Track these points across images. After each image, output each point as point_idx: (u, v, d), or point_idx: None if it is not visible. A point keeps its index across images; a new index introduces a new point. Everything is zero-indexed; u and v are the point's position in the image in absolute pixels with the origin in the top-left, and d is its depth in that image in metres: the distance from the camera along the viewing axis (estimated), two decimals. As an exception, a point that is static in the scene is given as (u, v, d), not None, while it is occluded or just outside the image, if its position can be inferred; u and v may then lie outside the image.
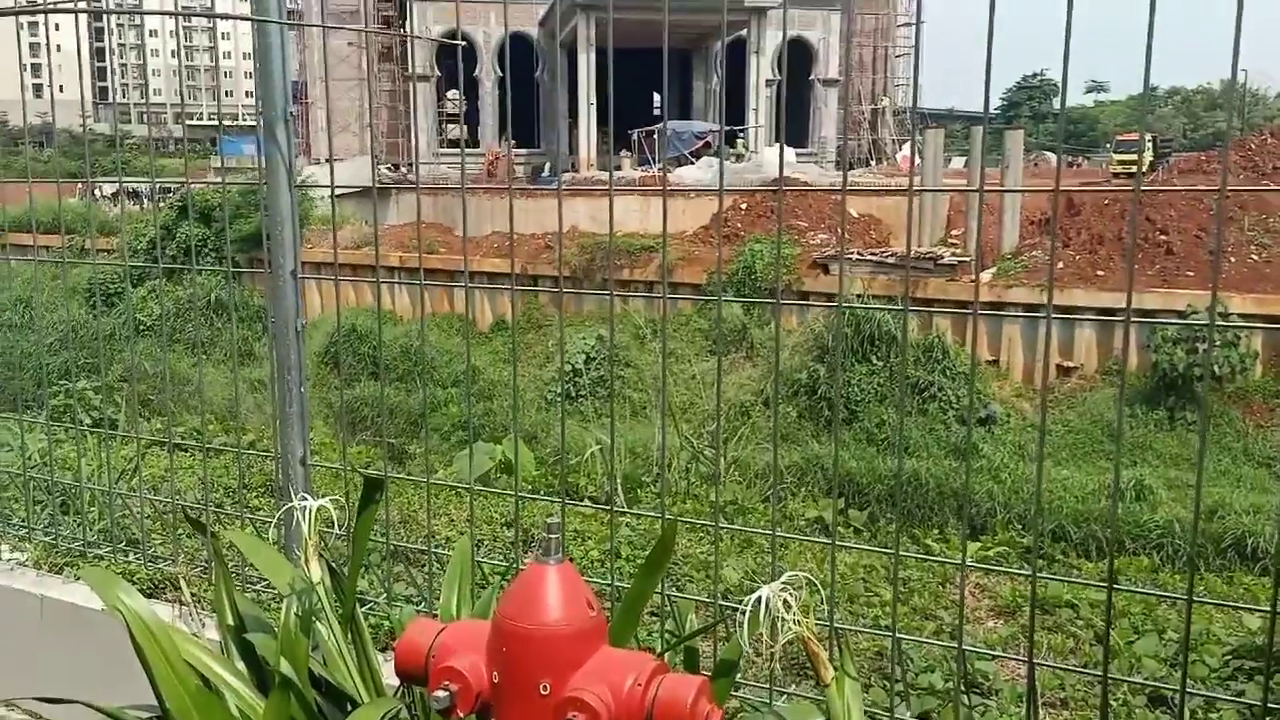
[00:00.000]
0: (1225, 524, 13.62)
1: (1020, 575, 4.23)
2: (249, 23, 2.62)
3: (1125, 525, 13.39)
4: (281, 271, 2.80)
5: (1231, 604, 4.26)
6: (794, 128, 43.61)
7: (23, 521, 3.87)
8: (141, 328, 23.24)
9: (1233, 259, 19.35)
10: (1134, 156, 36.34)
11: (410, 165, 39.73)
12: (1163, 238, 20.16)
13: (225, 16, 2.72)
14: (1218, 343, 17.41)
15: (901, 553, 2.56)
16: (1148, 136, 40.81)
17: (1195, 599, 2.12)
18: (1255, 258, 19.55)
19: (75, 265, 23.70)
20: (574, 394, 21.55)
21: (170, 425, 4.24)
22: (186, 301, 23.82)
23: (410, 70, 39.71)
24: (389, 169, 38.94)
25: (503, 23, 40.61)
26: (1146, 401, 18.34)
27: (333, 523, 2.09)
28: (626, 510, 5.68)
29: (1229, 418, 17.93)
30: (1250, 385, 18.29)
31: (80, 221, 23.33)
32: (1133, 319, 17.10)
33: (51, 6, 2.87)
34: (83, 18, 3.31)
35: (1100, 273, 20.09)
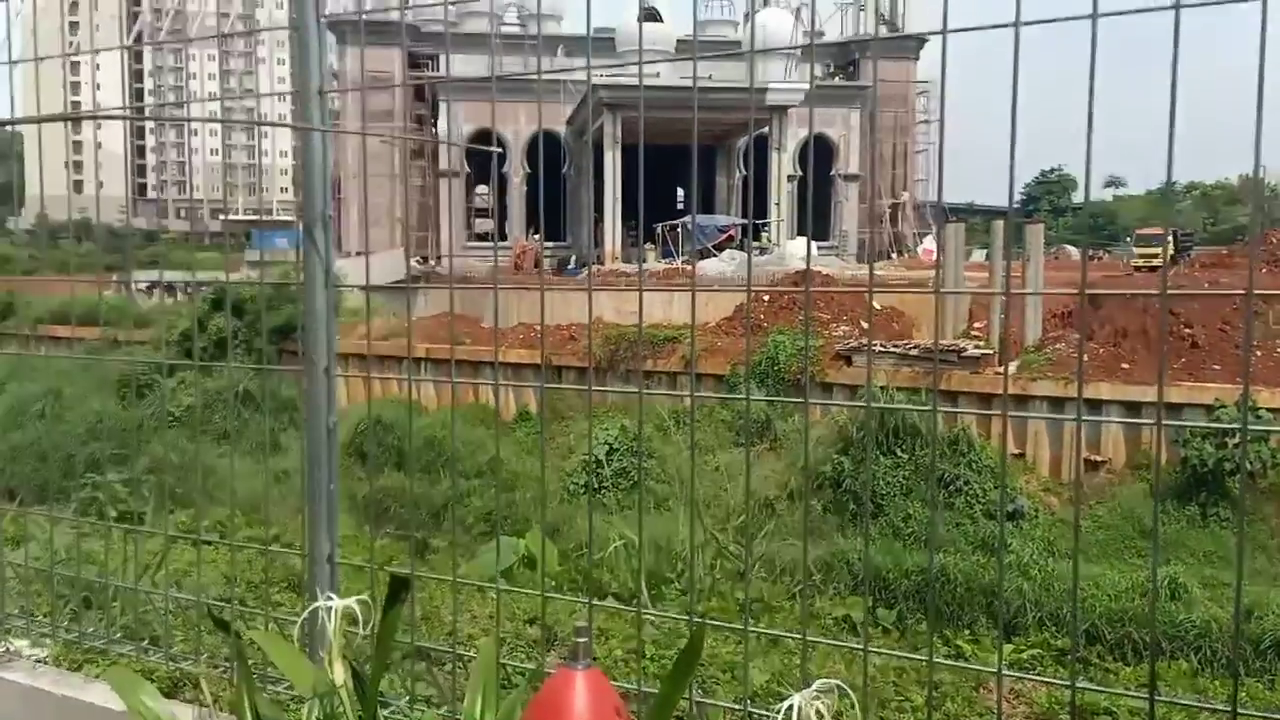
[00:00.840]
0: (1264, 625, 13.21)
1: (1058, 684, 4.11)
2: (288, 35, 2.70)
3: (1161, 626, 13.02)
4: (315, 369, 2.84)
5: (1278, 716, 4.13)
6: (815, 221, 44.21)
7: (46, 618, 3.87)
8: (171, 419, 23.45)
9: (1259, 353, 19.20)
10: (1155, 250, 36.45)
11: (439, 258, 40.47)
12: (1187, 331, 20.07)
13: (273, 124, 2.84)
14: (1250, 438, 17.16)
15: (935, 659, 2.51)
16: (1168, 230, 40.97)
17: (1240, 711, 2.06)
18: (1283, 351, 19.40)
19: (110, 359, 24.11)
20: (597, 486, 21.44)
21: (197, 519, 4.26)
22: (217, 393, 24.06)
23: (442, 167, 40.76)
24: (418, 262, 39.63)
25: (532, 121, 41.71)
26: (1178, 497, 18.01)
27: (356, 620, 2.08)
28: (652, 611, 5.60)
29: (1263, 514, 17.57)
30: (1283, 478, 17.94)
31: (115, 313, 23.77)
32: (1162, 416, 16.89)
33: (102, 113, 2.99)
34: (118, 67, 3.43)
35: (1125, 365, 19.97)
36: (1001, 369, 20.60)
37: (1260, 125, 1.94)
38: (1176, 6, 1.88)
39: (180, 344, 25.10)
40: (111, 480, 8.67)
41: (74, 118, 2.31)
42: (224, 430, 23.23)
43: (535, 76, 2.79)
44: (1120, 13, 1.99)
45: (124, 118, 2.41)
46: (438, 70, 45.12)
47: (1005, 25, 2.04)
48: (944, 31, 2.18)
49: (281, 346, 25.81)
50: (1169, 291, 2.61)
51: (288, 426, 24.64)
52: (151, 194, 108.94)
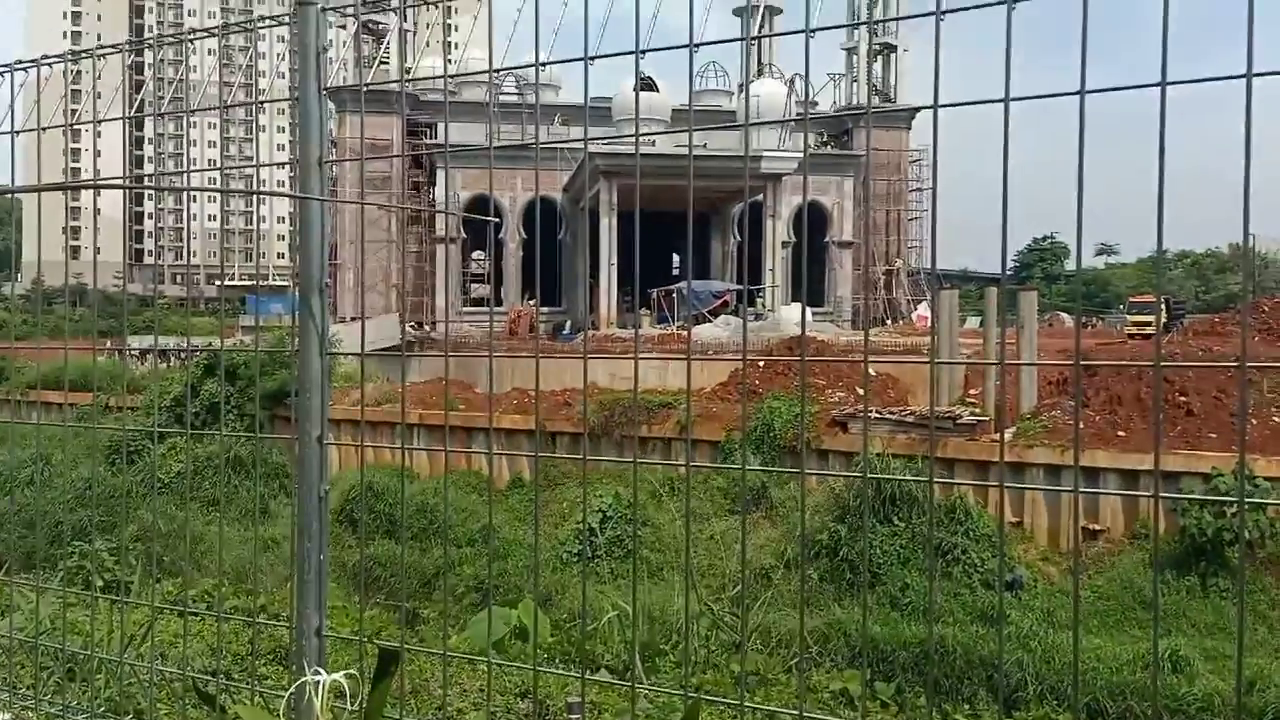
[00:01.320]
0: (1266, 697, 13.03)
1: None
2: (289, 107, 2.72)
3: (1164, 699, 12.81)
4: (308, 437, 2.81)
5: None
6: (810, 287, 44.49)
7: (29, 689, 3.77)
8: (161, 485, 23.25)
9: (1254, 421, 19.21)
10: (1148, 317, 36.72)
11: (434, 324, 40.58)
12: (1182, 399, 20.09)
13: (272, 193, 2.86)
14: (1245, 507, 17.07)
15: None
16: (1160, 298, 41.29)
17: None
18: (1277, 419, 19.41)
19: (101, 426, 23.97)
20: (590, 554, 21.21)
21: (184, 589, 4.18)
22: (208, 459, 23.90)
23: (439, 233, 41.09)
24: (413, 327, 39.71)
25: (529, 187, 42.20)
26: (1177, 567, 17.85)
27: (344, 694, 2.02)
28: (646, 685, 5.50)
29: (1262, 584, 17.40)
30: (1283, 548, 17.81)
31: (108, 379, 23.75)
32: (1160, 483, 16.80)
33: (102, 182, 3.00)
34: (119, 136, 3.45)
35: (1121, 433, 19.95)
36: (995, 438, 20.56)
37: (1248, 201, 1.95)
38: (1163, 84, 1.90)
39: (172, 409, 25.08)
40: (99, 549, 8.55)
41: (73, 186, 2.32)
42: (213, 497, 23.06)
43: (533, 144, 2.81)
44: (1107, 89, 2.02)
45: (123, 187, 2.41)
46: (435, 137, 45.76)
47: (995, 101, 2.07)
48: (935, 106, 2.22)
49: (274, 412, 25.77)
50: (1163, 363, 2.59)
51: (278, 493, 24.46)
52: (148, 259, 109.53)
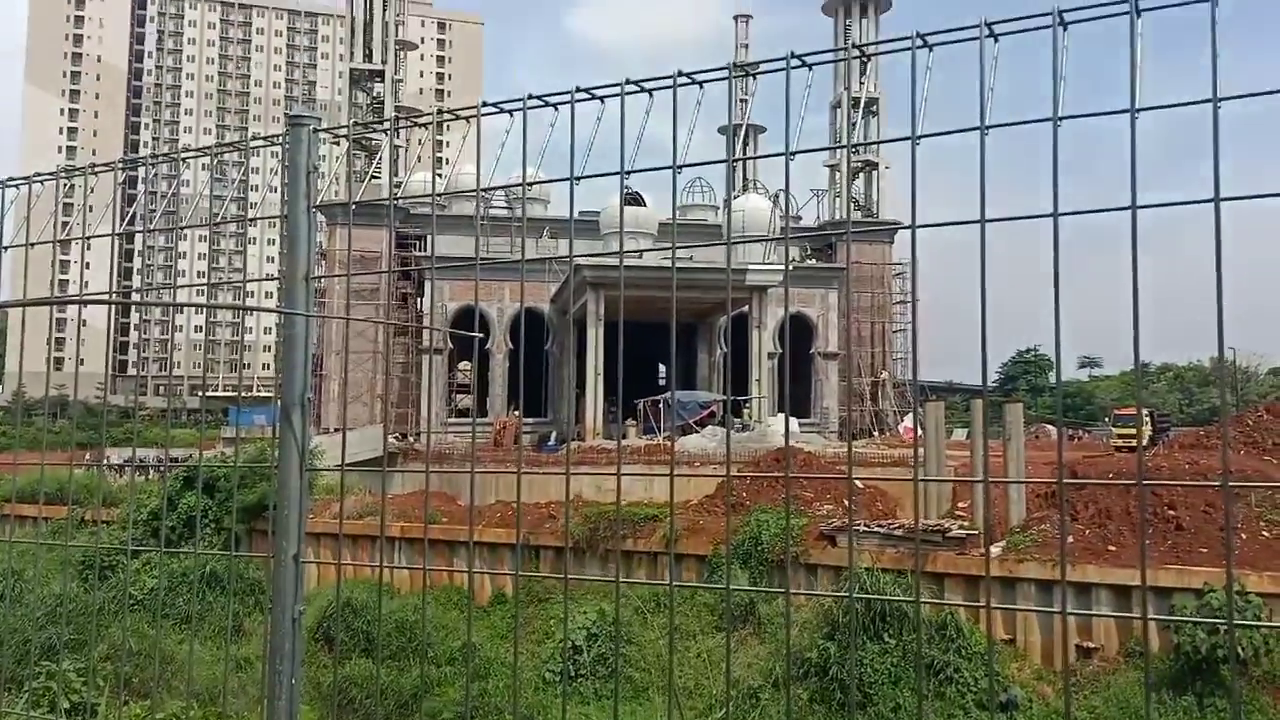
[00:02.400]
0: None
1: None
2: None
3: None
4: (284, 555, 2.73)
5: None
6: (796, 399, 44.62)
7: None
8: (133, 602, 22.66)
9: (1244, 535, 19.10)
10: (1133, 430, 36.80)
11: (418, 435, 40.34)
12: (1171, 513, 20.00)
13: (258, 309, 2.84)
14: (1238, 623, 16.81)
15: None
16: (1145, 411, 41.60)
17: None
18: (1266, 534, 19.30)
19: (72, 541, 23.48)
20: (574, 673, 20.62)
21: (152, 711, 4.01)
22: (182, 575, 23.35)
23: (425, 344, 41.22)
24: (397, 438, 39.46)
25: (516, 298, 42.60)
26: (1172, 686, 17.45)
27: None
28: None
29: (1259, 703, 17.00)
30: (1278, 667, 17.46)
31: (85, 492, 23.37)
32: (1149, 603, 16.48)
33: (89, 297, 2.97)
34: (109, 254, 3.43)
35: (1112, 548, 19.77)
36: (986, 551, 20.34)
37: (1221, 320, 1.95)
38: (1134, 208, 1.93)
39: (149, 523, 24.59)
40: (66, 669, 8.25)
41: (58, 302, 2.31)
42: (187, 614, 22.42)
43: (518, 261, 2.82)
44: (1079, 212, 2.05)
45: (109, 302, 2.40)
46: (424, 249, 46.39)
47: (971, 222, 2.10)
48: (913, 226, 2.26)
49: (253, 525, 25.32)
50: (1146, 480, 2.56)
51: (254, 610, 23.85)
52: (133, 370, 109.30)
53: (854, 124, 55.99)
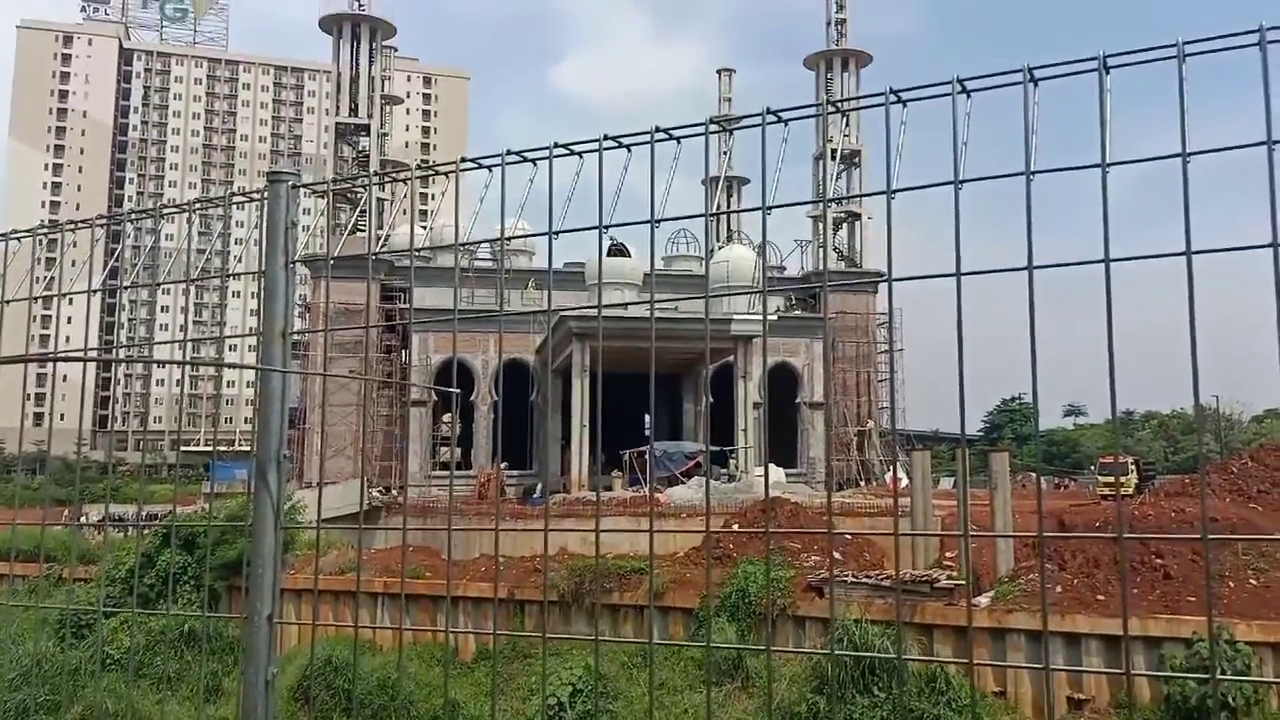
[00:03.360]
0: None
1: None
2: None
3: None
4: (258, 616, 2.67)
5: None
6: (782, 449, 44.55)
7: None
8: (109, 661, 22.22)
9: (1231, 584, 19.06)
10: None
11: (401, 488, 40.01)
12: (1159, 561, 19.96)
13: (236, 365, 2.81)
14: (1229, 673, 16.71)
15: None
16: (1130, 460, 41.68)
17: None
18: (1254, 582, 19.27)
19: (47, 600, 23.08)
20: (560, 731, 20.25)
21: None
22: (160, 633, 22.95)
23: (410, 395, 41.08)
24: (380, 492, 39.12)
25: (500, 351, 42.58)
26: (1167, 737, 17.29)
27: None
28: None
29: (1254, 752, 16.85)
30: (1269, 717, 17.34)
31: (62, 549, 23.04)
32: (1140, 652, 16.32)
33: (65, 353, 2.94)
34: (91, 311, 3.40)
35: (1100, 597, 19.67)
36: (973, 602, 20.23)
37: (1196, 372, 1.95)
38: (1106, 261, 1.95)
39: (126, 581, 24.21)
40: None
41: (35, 359, 2.27)
42: (164, 674, 22.00)
43: (498, 313, 2.81)
44: (1054, 265, 2.07)
45: (85, 359, 2.37)
46: (409, 301, 46.42)
47: (947, 275, 2.12)
48: (889, 279, 2.28)
49: (232, 582, 24.93)
50: (1129, 533, 2.54)
51: (232, 669, 23.39)
52: (111, 426, 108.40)
53: (837, 175, 56.76)
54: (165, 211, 3.04)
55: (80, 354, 2.85)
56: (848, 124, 58.96)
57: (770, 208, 2.24)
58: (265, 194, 2.81)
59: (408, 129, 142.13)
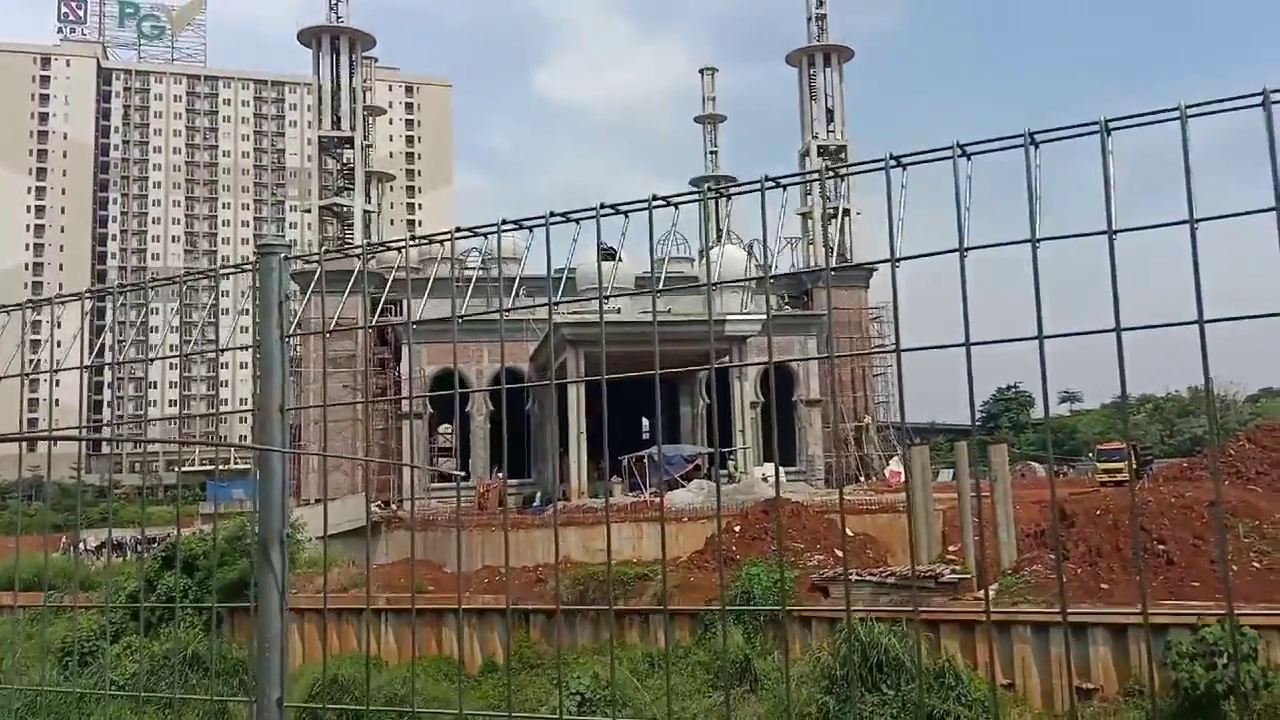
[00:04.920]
0: None
1: None
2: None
3: None
4: (267, 700, 2.63)
5: None
6: (781, 447, 44.52)
7: None
8: (115, 688, 22.11)
9: (1235, 567, 19.08)
10: (1117, 465, 36.85)
11: (401, 502, 39.93)
12: (1161, 547, 19.99)
13: (233, 445, 2.72)
14: (1236, 656, 16.72)
15: None
16: (1128, 444, 41.65)
17: None
18: (1257, 565, 19.30)
19: (51, 623, 22.98)
20: (571, 742, 20.22)
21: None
22: (164, 658, 22.86)
23: (406, 407, 40.98)
24: (379, 506, 39.03)
25: (495, 359, 42.48)
26: (1179, 724, 17.30)
27: None
28: None
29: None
30: (1277, 700, 17.36)
31: (61, 577, 22.94)
32: (1145, 638, 16.20)
33: (58, 432, 2.90)
34: (85, 381, 3.36)
35: (1104, 585, 19.70)
36: (979, 594, 20.24)
37: (1205, 345, 1.92)
38: (1110, 232, 1.91)
39: (127, 605, 24.10)
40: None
41: (30, 438, 2.22)
42: (169, 700, 21.90)
43: (498, 315, 2.77)
44: (1057, 237, 2.02)
45: (80, 438, 2.33)
46: (400, 314, 46.30)
47: (949, 251, 2.06)
48: (893, 260, 2.18)
49: (234, 605, 24.83)
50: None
51: (238, 691, 23.34)
52: (105, 450, 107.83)
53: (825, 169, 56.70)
54: (156, 284, 3.00)
55: (74, 432, 2.81)
56: (832, 121, 59.00)
57: (774, 276, 2.20)
58: (257, 266, 2.76)
59: (391, 139, 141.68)
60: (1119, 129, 1.96)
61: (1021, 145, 2.03)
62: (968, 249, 2.01)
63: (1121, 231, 1.89)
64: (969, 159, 2.07)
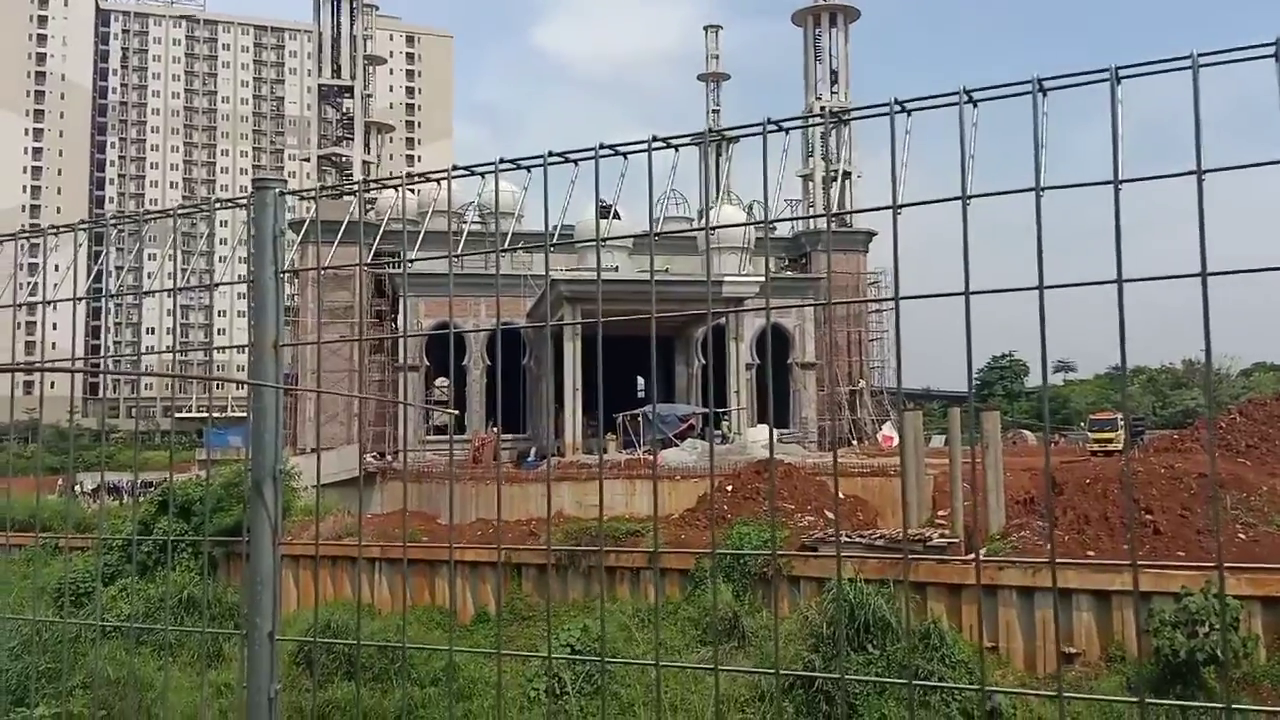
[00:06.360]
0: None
1: None
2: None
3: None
4: (259, 633, 2.65)
5: None
6: (775, 409, 44.62)
7: None
8: (109, 629, 22.32)
9: (1221, 538, 19.23)
10: (1109, 434, 37.09)
11: (396, 453, 40.06)
12: (1149, 517, 20.13)
13: (226, 379, 2.72)
14: (1217, 626, 16.92)
15: None
16: (1120, 416, 41.87)
17: None
18: (1242, 536, 19.46)
19: (47, 564, 23.11)
20: (558, 691, 20.48)
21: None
22: (158, 600, 23.05)
23: (402, 360, 40.96)
24: (374, 457, 39.17)
25: (492, 314, 42.42)
26: (1154, 690, 17.51)
27: None
28: None
29: (1240, 702, 17.12)
30: (1257, 670, 17.62)
31: (57, 519, 23.08)
32: (1129, 606, 16.39)
33: (51, 365, 2.89)
34: (80, 315, 3.35)
35: (1090, 553, 19.87)
36: (968, 558, 20.42)
37: (1206, 307, 1.91)
38: (1115, 182, 1.88)
39: (124, 549, 24.27)
40: (42, 715, 8.09)
41: (21, 369, 2.21)
42: (164, 640, 22.09)
43: (496, 259, 2.76)
44: (1063, 185, 2.00)
45: (75, 370, 2.32)
46: (397, 267, 46.13)
47: (952, 199, 2.03)
48: (894, 207, 2.14)
49: (229, 549, 25.03)
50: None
51: (231, 635, 23.60)
52: (101, 393, 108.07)
53: (825, 133, 56.30)
54: (150, 217, 2.97)
55: (69, 364, 2.80)
56: (835, 83, 58.46)
57: (772, 221, 2.18)
58: (251, 201, 2.74)
59: (391, 89, 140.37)
60: (1129, 78, 1.93)
61: (1029, 93, 2.00)
62: (970, 197, 1.99)
63: (1128, 181, 1.87)
64: (975, 105, 2.05)
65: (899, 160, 2.07)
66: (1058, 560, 18.73)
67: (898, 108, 2.09)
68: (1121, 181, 1.87)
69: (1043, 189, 1.95)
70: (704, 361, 43.53)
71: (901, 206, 2.07)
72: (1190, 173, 1.82)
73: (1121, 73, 1.92)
